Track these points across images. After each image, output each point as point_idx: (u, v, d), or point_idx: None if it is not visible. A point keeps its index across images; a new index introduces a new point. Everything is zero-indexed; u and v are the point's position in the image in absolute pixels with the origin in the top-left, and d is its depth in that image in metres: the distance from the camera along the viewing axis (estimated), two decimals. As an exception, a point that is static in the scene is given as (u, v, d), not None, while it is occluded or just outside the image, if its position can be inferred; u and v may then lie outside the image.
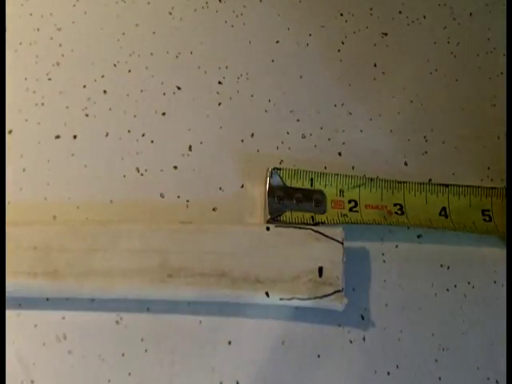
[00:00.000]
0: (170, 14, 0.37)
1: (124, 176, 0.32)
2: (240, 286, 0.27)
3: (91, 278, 0.27)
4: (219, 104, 0.35)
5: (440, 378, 0.29)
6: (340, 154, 0.34)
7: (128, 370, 0.27)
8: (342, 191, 0.31)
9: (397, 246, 0.32)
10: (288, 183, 0.31)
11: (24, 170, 0.31)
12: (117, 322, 0.28)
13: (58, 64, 0.35)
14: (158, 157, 0.33)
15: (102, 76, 0.35)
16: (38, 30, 0.36)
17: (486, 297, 0.31)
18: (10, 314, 0.27)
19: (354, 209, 0.31)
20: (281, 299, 0.27)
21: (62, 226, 0.28)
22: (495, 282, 0.31)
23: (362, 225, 0.30)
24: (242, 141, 0.34)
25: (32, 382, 0.26)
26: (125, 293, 0.27)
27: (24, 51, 0.35)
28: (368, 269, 0.31)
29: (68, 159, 0.32)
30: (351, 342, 0.29)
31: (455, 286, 0.31)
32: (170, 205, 0.31)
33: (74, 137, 0.33)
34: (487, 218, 0.31)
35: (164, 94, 0.35)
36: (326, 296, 0.27)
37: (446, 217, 0.31)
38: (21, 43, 0.35)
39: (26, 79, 0.34)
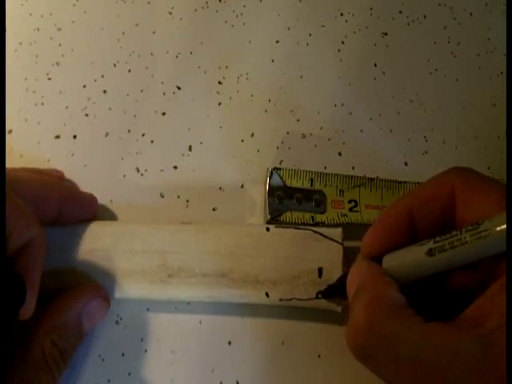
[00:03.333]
0: (170, 13, 0.37)
1: (124, 176, 0.32)
2: (240, 286, 0.27)
3: (91, 277, 0.27)
4: (219, 104, 0.35)
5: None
6: (340, 154, 0.34)
7: (128, 370, 0.27)
8: (342, 191, 0.31)
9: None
10: (288, 183, 0.31)
11: (24, 170, 0.31)
12: (117, 322, 0.28)
13: (57, 64, 0.35)
14: (157, 157, 0.33)
15: (102, 76, 0.35)
16: (37, 29, 0.36)
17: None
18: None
19: (354, 209, 0.31)
20: (280, 300, 0.27)
21: (62, 226, 0.28)
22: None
23: (362, 225, 0.30)
24: (242, 141, 0.34)
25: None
26: (125, 293, 0.27)
27: (24, 51, 0.35)
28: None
29: (68, 159, 0.32)
30: (351, 342, 0.29)
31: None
32: (170, 205, 0.31)
33: (74, 137, 0.33)
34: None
35: (164, 93, 0.35)
36: (325, 296, 0.27)
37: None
38: (21, 43, 0.35)
39: (26, 79, 0.34)
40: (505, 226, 0.19)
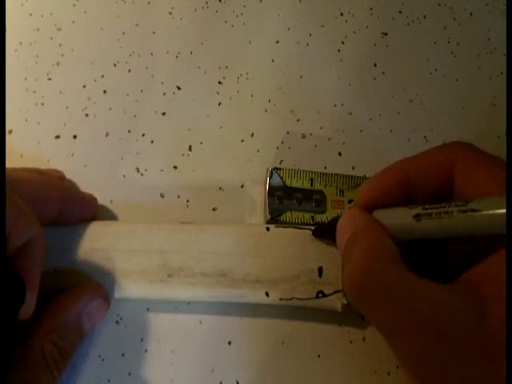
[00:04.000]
0: (170, 13, 0.37)
1: (124, 176, 0.32)
2: (240, 286, 0.27)
3: (91, 277, 0.27)
4: (219, 104, 0.35)
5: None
6: (340, 154, 0.34)
7: (128, 370, 0.27)
8: (342, 191, 0.31)
9: (397, 246, 0.32)
10: (288, 183, 0.31)
11: (24, 169, 0.31)
12: (117, 322, 0.28)
13: (57, 64, 0.35)
14: (158, 157, 0.33)
15: (102, 76, 0.35)
16: (37, 29, 0.36)
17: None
18: None
19: (353, 209, 0.31)
20: (280, 299, 0.27)
21: (63, 226, 0.28)
22: None
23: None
24: (242, 141, 0.34)
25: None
26: (125, 293, 0.27)
27: (24, 51, 0.35)
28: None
29: (68, 159, 0.32)
30: (351, 342, 0.29)
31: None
32: (170, 205, 0.32)
33: (74, 137, 0.33)
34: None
35: (164, 93, 0.35)
36: (325, 296, 0.27)
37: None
38: (21, 43, 0.35)
39: (25, 79, 0.34)
40: (491, 212, 0.19)
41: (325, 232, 0.27)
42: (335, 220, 0.25)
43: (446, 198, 0.22)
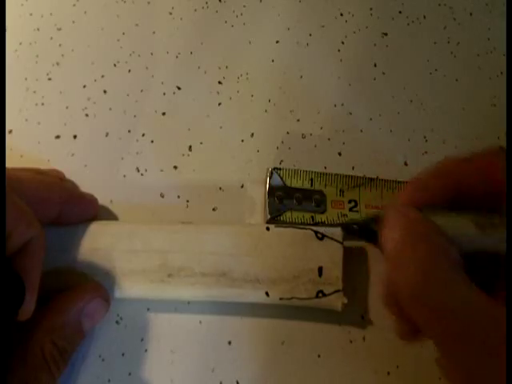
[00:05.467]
0: (170, 13, 0.37)
1: (124, 176, 0.32)
2: (240, 286, 0.27)
3: (91, 277, 0.27)
4: (219, 104, 0.35)
5: (440, 378, 0.29)
6: (340, 154, 0.34)
7: (128, 370, 0.27)
8: (342, 191, 0.31)
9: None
10: (288, 183, 0.31)
11: (24, 169, 0.31)
12: (117, 322, 0.28)
13: (57, 64, 0.35)
14: (157, 157, 0.33)
15: (102, 76, 0.35)
16: (38, 29, 0.36)
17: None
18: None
19: (354, 209, 0.31)
20: (280, 299, 0.27)
21: (62, 226, 0.28)
22: None
23: (362, 225, 0.30)
24: (242, 141, 0.34)
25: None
26: (125, 293, 0.27)
27: (24, 51, 0.35)
28: (368, 269, 0.31)
29: (68, 159, 0.32)
30: (351, 341, 0.29)
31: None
32: (170, 205, 0.32)
33: (74, 137, 0.33)
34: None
35: (164, 94, 0.35)
36: (325, 296, 0.27)
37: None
38: (21, 43, 0.35)
39: (26, 79, 0.34)
40: None
41: (359, 231, 0.26)
42: (372, 220, 0.24)
43: (492, 204, 0.21)
